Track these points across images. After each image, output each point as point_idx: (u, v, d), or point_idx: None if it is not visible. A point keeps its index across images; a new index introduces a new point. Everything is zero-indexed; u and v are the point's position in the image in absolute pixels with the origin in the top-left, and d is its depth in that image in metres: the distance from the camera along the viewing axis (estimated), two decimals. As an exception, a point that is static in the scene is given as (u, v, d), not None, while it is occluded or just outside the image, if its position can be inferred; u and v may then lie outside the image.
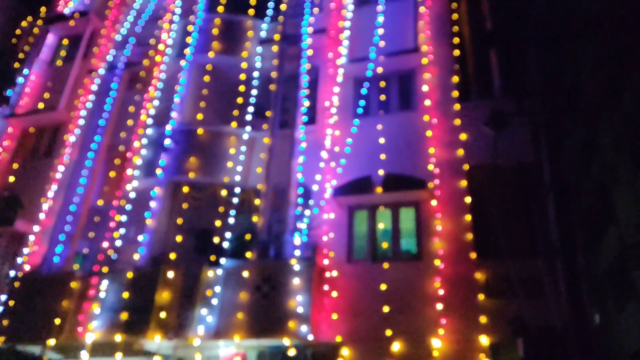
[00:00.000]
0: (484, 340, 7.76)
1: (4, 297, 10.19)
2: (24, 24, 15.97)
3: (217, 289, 9.08)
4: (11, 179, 12.30)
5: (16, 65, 14.37)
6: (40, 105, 13.46)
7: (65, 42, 14.95)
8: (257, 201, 10.18)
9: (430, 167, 9.42)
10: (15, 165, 12.77)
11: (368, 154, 9.98)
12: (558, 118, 8.29)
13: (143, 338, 8.80)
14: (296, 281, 8.69)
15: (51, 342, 9.35)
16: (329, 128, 10.59)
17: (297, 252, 9.19)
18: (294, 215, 9.82)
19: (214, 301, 8.98)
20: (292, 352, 8.37)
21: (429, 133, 9.76)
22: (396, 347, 8.09)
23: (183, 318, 8.96)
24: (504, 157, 8.93)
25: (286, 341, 8.31)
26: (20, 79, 14.13)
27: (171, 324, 8.92)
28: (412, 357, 7.97)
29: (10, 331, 9.73)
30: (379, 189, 9.32)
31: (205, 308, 8.95)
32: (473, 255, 8.42)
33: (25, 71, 14.29)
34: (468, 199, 8.91)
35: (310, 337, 8.25)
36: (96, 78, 13.27)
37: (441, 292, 8.28)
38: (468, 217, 8.75)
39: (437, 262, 8.53)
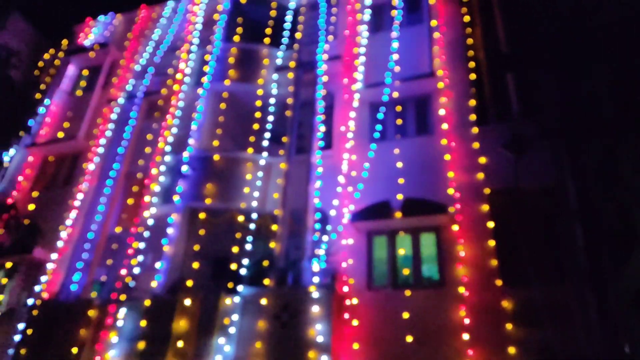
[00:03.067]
0: (513, 371, 7.45)
1: (22, 326, 10.13)
2: (46, 56, 16.46)
3: (235, 317, 8.93)
4: (31, 207, 12.43)
5: (38, 96, 14.73)
6: (60, 135, 13.71)
7: (86, 72, 15.34)
8: (274, 227, 10.10)
9: (450, 191, 9.28)
10: (35, 194, 12.92)
11: (386, 179, 9.90)
12: (579, 140, 8.16)
13: (160, 368, 8.64)
14: (315, 309, 8.51)
15: (68, 372, 9.22)
16: (345, 153, 10.57)
17: (316, 279, 9.03)
18: (312, 241, 9.70)
19: (232, 330, 8.83)
20: (312, 384, 8.12)
21: (447, 157, 9.67)
22: (421, 378, 7.81)
23: (200, 347, 8.79)
24: (525, 180, 8.79)
25: (306, 372, 8.07)
26: (41, 109, 14.46)
27: (188, 353, 8.75)
28: (438, 389, 7.67)
29: (27, 361, 9.64)
30: (398, 214, 9.18)
31: (223, 337, 8.80)
32: (499, 282, 8.18)
33: (47, 101, 14.63)
34: (491, 224, 8.73)
35: (332, 368, 8.01)
36: (115, 107, 13.52)
37: (467, 321, 8.01)
38: (491, 243, 8.55)
39: (462, 290, 8.30)
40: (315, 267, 9.16)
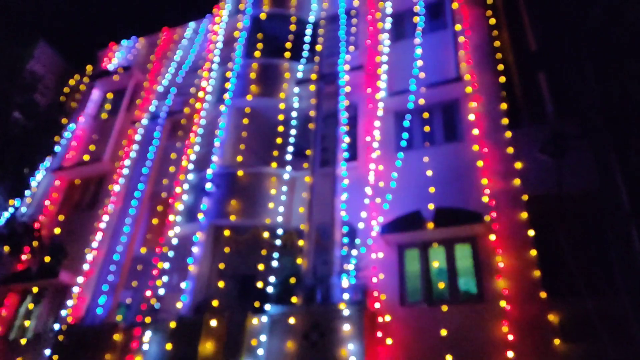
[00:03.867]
0: (566, 392, 6.80)
1: (48, 352, 9.99)
2: (71, 82, 16.82)
3: (263, 337, 8.55)
4: (57, 230, 12.46)
5: (64, 120, 14.96)
6: (86, 158, 13.82)
7: (110, 96, 15.55)
8: (300, 242, 9.75)
9: (485, 199, 8.77)
10: (61, 217, 12.96)
11: (415, 188, 9.47)
12: (626, 137, 7.59)
13: (187, 393, 8.30)
14: (346, 327, 8.06)
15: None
16: (372, 163, 10.20)
17: (346, 296, 8.60)
18: (340, 256, 9.30)
19: (260, 351, 8.44)
20: (346, 409, 7.62)
21: (480, 163, 9.19)
22: (463, 401, 7.22)
23: (228, 371, 8.42)
24: (566, 184, 8.22)
25: (339, 396, 7.59)
26: (67, 134, 14.66)
27: (216, 377, 8.40)
28: (483, 413, 7.06)
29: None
30: (431, 225, 8.71)
31: (251, 359, 8.42)
32: (543, 294, 7.57)
33: (72, 126, 14.84)
34: (531, 232, 8.15)
35: (367, 391, 7.51)
36: (139, 128, 13.57)
37: (510, 337, 7.41)
38: (533, 252, 7.96)
39: (503, 304, 7.71)
40: (345, 283, 8.74)
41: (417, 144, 10.37)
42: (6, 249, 7.03)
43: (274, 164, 10.98)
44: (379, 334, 8.28)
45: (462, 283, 8.55)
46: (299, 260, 9.49)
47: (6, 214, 10.39)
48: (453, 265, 8.65)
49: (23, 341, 10.89)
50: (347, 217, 9.72)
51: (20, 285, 11.61)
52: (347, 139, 10.83)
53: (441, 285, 8.57)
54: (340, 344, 7.96)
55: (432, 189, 9.20)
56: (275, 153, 11.21)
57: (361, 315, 8.14)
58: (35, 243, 7.25)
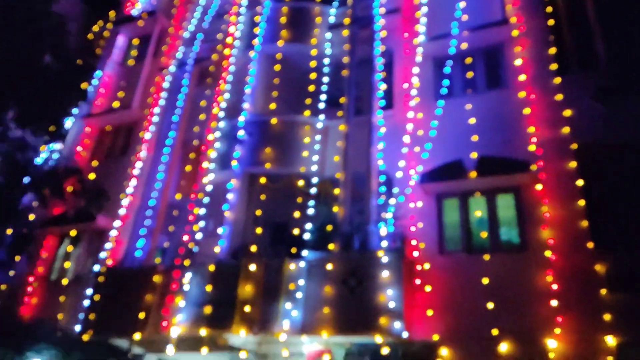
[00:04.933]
0: (610, 340, 6.80)
1: (89, 292, 10.33)
2: (95, 28, 16.45)
3: (301, 282, 8.68)
4: (91, 176, 12.57)
5: (92, 62, 14.72)
6: (115, 104, 13.73)
7: (136, 42, 15.21)
8: (336, 191, 9.68)
9: (532, 147, 8.49)
10: (94, 163, 13.05)
11: (456, 137, 9.20)
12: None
13: (228, 332, 8.56)
14: (385, 274, 8.10)
15: (137, 336, 9.32)
16: (410, 111, 9.90)
17: (384, 244, 8.60)
18: (377, 205, 9.23)
19: (298, 295, 8.59)
20: (385, 351, 7.79)
21: (526, 110, 8.83)
22: (504, 347, 7.29)
23: (267, 312, 8.63)
24: (617, 133, 7.90)
25: (378, 338, 7.74)
26: (94, 81, 14.50)
27: (255, 318, 8.62)
28: (523, 358, 7.14)
29: (97, 325, 9.83)
30: (473, 174, 8.51)
31: (290, 302, 8.58)
32: (590, 244, 7.44)
33: (99, 72, 14.62)
34: (580, 182, 7.91)
35: (405, 335, 7.64)
36: (167, 75, 13.34)
37: (555, 286, 7.37)
38: (581, 202, 7.76)
39: (548, 254, 7.62)
40: (383, 231, 8.71)
41: (458, 91, 9.99)
42: (46, 191, 7.09)
43: (306, 113, 10.75)
44: (418, 281, 8.32)
45: (503, 233, 8.45)
46: (335, 209, 9.45)
47: (42, 157, 10.41)
48: (494, 215, 8.53)
49: (64, 281, 11.27)
50: (383, 166, 9.56)
51: (58, 229, 11.90)
52: (382, 87, 10.48)
53: (483, 234, 8.48)
54: (378, 290, 8.03)
55: (474, 138, 8.93)
56: (308, 101, 10.94)
57: (399, 263, 8.15)
58: (76, 186, 7.30)
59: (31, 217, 11.80)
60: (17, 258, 11.48)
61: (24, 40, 6.89)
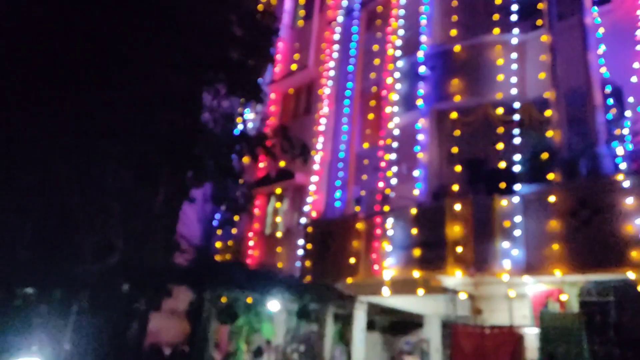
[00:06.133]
0: None
1: (301, 242, 11.26)
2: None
3: (517, 219, 7.88)
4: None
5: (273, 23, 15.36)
6: (293, 67, 14.33)
7: (302, 1, 15.49)
8: (547, 112, 8.39)
9: None
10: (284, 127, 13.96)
11: None
12: None
13: (442, 274, 8.34)
14: (629, 201, 6.75)
15: (350, 280, 9.82)
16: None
17: (623, 166, 7.15)
18: (606, 122, 7.69)
19: (517, 232, 7.83)
20: (641, 288, 6.59)
21: None
22: None
23: (482, 252, 8.11)
24: None
25: (631, 274, 6.55)
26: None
27: (470, 258, 8.18)
28: None
29: (314, 271, 10.67)
30: None
31: (507, 241, 7.89)
32: None
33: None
34: None
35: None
36: (336, 27, 13.28)
37: None
38: None
39: None
40: (620, 150, 7.24)
41: None
42: (260, 151, 7.73)
43: (496, 30, 9.47)
44: (676, 205, 6.73)
45: None
46: (549, 133, 8.22)
47: (240, 121, 11.41)
48: None
49: (278, 234, 12.53)
50: (607, 74, 7.87)
51: (265, 189, 13.22)
52: (592, -23, 8.54)
53: None
54: (623, 220, 6.76)
55: None
56: (496, 17, 9.62)
57: (647, 185, 6.69)
58: (283, 144, 7.86)
59: (241, 181, 13.34)
60: (237, 218, 13.16)
61: (213, 11, 7.39)
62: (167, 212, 7.29)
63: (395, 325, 12.31)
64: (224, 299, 8.39)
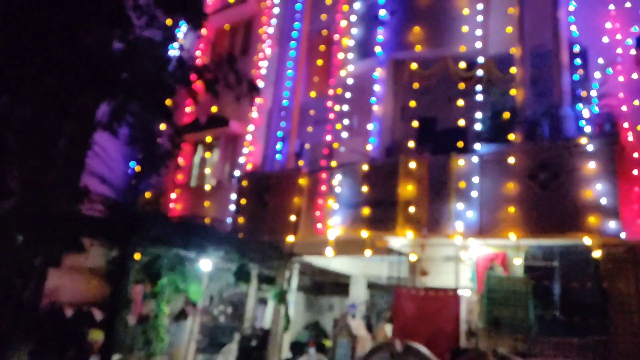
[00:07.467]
0: None
1: (234, 196, 10.10)
2: None
3: (475, 179, 7.49)
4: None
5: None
6: (231, 0, 12.60)
7: None
8: (511, 70, 7.96)
9: None
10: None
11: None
12: None
13: (391, 234, 7.80)
14: (591, 165, 6.58)
15: (290, 238, 8.97)
16: (613, -44, 7.55)
17: (588, 129, 6.95)
18: (571, 82, 7.42)
19: (473, 194, 7.45)
20: (597, 254, 6.51)
21: None
22: None
23: (435, 213, 7.67)
24: None
25: (587, 240, 6.43)
26: (204, -22, 13.36)
27: (422, 219, 7.72)
28: None
29: (247, 228, 9.60)
30: None
31: (462, 202, 7.50)
32: None
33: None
34: None
35: (623, 235, 6.24)
36: (283, -42, 11.76)
37: None
38: None
39: None
40: (585, 112, 7.01)
41: None
42: (197, 86, 6.41)
43: (462, -22, 8.78)
44: (635, 172, 6.68)
45: None
46: (512, 92, 7.82)
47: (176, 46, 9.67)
48: None
49: (207, 187, 11.19)
50: (576, 33, 7.56)
51: (193, 136, 11.68)
52: None
53: None
54: (582, 184, 6.60)
55: None
56: (463, -37, 8.90)
57: (611, 150, 6.57)
58: (231, 78, 6.57)
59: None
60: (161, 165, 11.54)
61: None
62: (75, 151, 5.72)
63: (319, 286, 11.86)
64: (137, 256, 7.12)
